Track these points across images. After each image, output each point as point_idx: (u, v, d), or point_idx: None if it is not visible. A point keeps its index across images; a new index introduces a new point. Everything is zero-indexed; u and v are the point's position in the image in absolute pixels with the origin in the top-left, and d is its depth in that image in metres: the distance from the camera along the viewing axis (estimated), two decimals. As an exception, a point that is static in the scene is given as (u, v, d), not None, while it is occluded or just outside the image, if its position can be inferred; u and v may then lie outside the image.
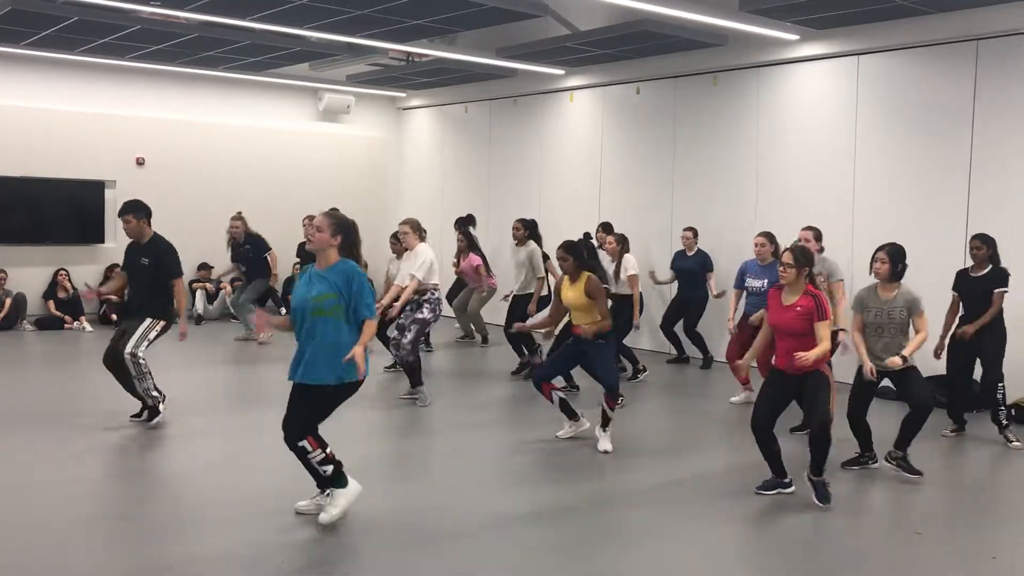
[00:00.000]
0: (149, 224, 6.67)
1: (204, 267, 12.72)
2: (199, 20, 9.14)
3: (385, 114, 14.71)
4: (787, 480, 5.32)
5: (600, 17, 9.33)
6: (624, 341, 8.76)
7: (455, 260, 10.90)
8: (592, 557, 4.38)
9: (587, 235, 8.86)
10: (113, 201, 12.06)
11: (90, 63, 11.63)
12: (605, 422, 6.33)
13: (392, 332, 7.91)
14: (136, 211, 6.56)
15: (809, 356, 4.94)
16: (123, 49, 10.61)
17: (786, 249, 5.34)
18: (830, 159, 9.10)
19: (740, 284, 7.72)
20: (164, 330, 6.62)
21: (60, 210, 11.92)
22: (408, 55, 11.57)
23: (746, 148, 9.83)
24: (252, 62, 11.32)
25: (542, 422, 6.87)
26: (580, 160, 11.72)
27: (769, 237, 7.65)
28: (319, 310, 4.51)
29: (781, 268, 5.23)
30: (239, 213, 11.06)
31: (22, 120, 11.57)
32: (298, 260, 10.61)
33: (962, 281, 6.90)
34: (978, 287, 6.77)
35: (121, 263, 6.98)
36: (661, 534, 4.73)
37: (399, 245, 8.68)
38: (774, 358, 5.32)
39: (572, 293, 6.25)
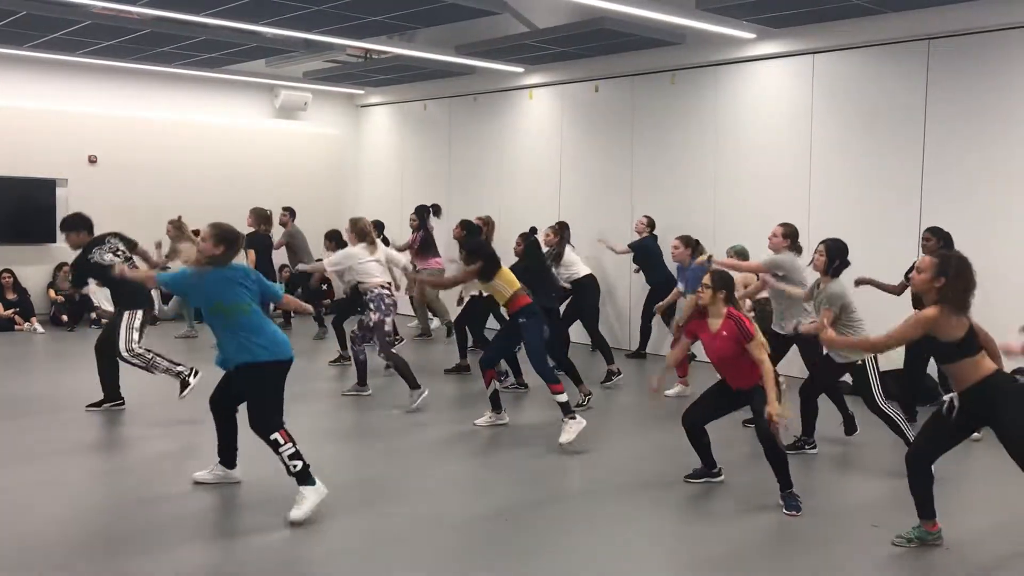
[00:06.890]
0: (91, 234, 6.93)
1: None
2: (152, 15, 8.99)
3: (343, 111, 14.60)
4: (716, 470, 5.48)
5: (559, 15, 9.35)
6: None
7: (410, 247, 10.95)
8: (531, 554, 4.39)
9: (533, 229, 8.92)
10: (64, 199, 11.82)
11: (40, 59, 11.38)
12: (564, 410, 6.31)
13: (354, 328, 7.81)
14: (76, 228, 6.85)
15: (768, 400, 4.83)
16: (74, 44, 10.41)
17: (708, 271, 5.37)
18: (786, 156, 9.20)
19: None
20: (145, 316, 6.88)
21: (9, 209, 11.63)
22: (366, 52, 11.49)
23: (704, 145, 9.91)
24: (207, 58, 11.18)
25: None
26: (539, 157, 11.73)
27: (684, 240, 7.97)
28: (235, 308, 4.74)
29: (699, 289, 5.16)
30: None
31: (-31, 117, 11.32)
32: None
33: None
34: None
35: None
36: (592, 527, 4.76)
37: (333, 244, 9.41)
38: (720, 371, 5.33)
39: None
